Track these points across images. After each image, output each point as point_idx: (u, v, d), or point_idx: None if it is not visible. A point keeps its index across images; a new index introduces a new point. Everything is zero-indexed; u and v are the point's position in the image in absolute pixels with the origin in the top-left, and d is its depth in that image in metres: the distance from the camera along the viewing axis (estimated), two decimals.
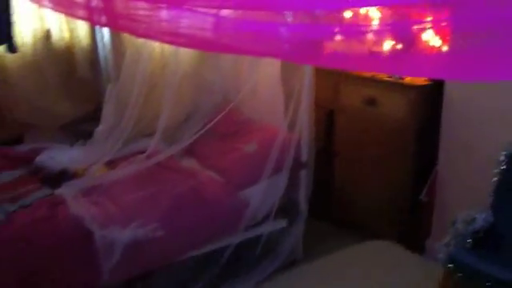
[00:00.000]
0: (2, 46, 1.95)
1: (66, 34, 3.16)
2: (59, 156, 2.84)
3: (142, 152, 2.91)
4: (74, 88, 3.22)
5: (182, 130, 3.08)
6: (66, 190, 2.50)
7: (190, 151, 3.05)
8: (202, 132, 2.94)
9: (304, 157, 2.98)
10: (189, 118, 3.19)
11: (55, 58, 3.11)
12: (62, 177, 2.67)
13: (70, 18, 3.13)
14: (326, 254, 2.96)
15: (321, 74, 3.00)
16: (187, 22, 2.24)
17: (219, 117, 2.94)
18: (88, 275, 2.26)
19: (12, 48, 1.92)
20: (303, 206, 2.96)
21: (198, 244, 2.56)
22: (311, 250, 2.98)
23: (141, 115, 2.96)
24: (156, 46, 3.09)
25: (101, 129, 2.98)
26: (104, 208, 2.40)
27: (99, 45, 3.25)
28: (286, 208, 2.90)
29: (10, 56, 3.02)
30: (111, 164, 2.84)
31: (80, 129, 3.16)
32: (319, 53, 1.87)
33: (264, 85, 3.12)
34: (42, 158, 2.80)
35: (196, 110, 3.21)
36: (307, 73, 2.87)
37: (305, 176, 3.00)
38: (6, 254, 2.10)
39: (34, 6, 2.88)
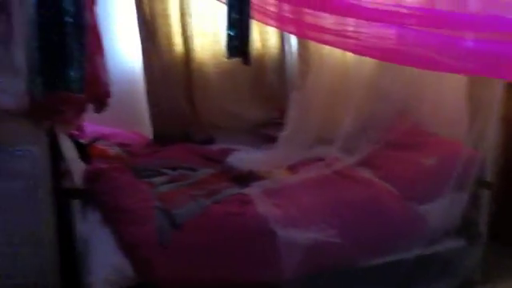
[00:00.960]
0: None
1: (258, 44, 3.41)
2: (246, 158, 3.10)
3: (320, 159, 3.05)
4: (262, 94, 3.48)
5: (360, 139, 3.15)
6: (252, 190, 2.72)
7: (365, 161, 3.10)
8: (380, 142, 2.98)
9: (488, 175, 2.86)
10: (366, 127, 3.24)
11: (248, 66, 3.38)
12: (248, 177, 2.90)
13: (262, 30, 3.39)
14: (506, 278, 2.81)
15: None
16: (370, 31, 2.32)
17: (397, 127, 2.96)
18: (269, 271, 2.43)
19: (247, 61, 2.14)
20: (483, 227, 2.84)
21: (372, 255, 2.61)
22: (490, 274, 2.86)
23: (322, 122, 3.10)
24: (339, 54, 3.20)
25: (285, 134, 3.18)
26: (286, 210, 2.56)
27: (287, 54, 3.46)
28: (465, 228, 2.81)
29: (209, 63, 3.38)
30: (292, 168, 3.02)
31: (265, 133, 3.41)
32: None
33: (447, 97, 3.05)
34: (232, 159, 3.08)
35: (374, 119, 3.25)
36: (496, 87, 2.75)
37: (487, 195, 2.88)
38: (202, 243, 2.36)
39: None
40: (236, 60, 3.33)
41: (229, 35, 2.03)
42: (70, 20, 1.77)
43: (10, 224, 2.14)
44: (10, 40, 1.90)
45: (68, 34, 1.75)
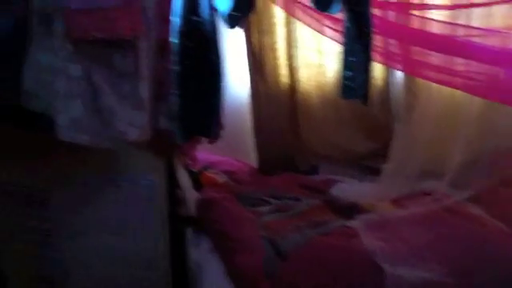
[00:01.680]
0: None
1: None
2: (350, 189, 3.09)
3: (427, 193, 2.98)
4: (366, 125, 3.47)
5: (470, 175, 3.05)
6: (357, 223, 2.71)
7: (476, 197, 2.99)
8: (492, 178, 2.87)
9: None
10: (477, 162, 3.14)
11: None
12: (352, 209, 2.89)
13: None
14: None
15: None
16: (480, 70, 2.28)
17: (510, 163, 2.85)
18: None
19: (365, 102, 2.17)
20: None
21: None
22: None
23: (427, 156, 3.04)
24: (448, 89, 3.13)
25: (389, 166, 3.14)
26: (393, 245, 2.52)
27: (392, 85, 3.43)
28: None
29: (314, 94, 3.43)
30: (397, 202, 2.98)
31: (369, 165, 3.39)
32: None
33: None
34: (335, 190, 3.09)
35: (485, 154, 3.14)
36: None
37: None
38: (307, 274, 2.37)
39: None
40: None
41: (344, 77, 2.07)
42: (212, 68, 1.90)
43: (129, 248, 2.28)
44: (136, 75, 2.04)
45: (209, 82, 1.87)
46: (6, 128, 2.02)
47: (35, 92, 1.90)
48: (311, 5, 2.08)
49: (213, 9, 1.98)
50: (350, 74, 2.07)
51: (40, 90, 1.89)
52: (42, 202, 2.25)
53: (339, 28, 2.39)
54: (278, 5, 3.05)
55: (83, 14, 1.82)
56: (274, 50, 3.29)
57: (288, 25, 3.30)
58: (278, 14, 3.28)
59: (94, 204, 2.26)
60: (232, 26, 2.01)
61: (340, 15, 2.26)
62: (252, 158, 3.44)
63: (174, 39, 2.00)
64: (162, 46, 2.18)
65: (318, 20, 2.69)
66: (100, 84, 1.93)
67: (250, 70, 3.30)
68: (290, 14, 3.03)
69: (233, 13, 1.96)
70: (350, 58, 2.04)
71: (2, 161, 2.13)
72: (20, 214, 2.24)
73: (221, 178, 3.07)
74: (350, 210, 2.90)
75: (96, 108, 1.94)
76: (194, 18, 1.94)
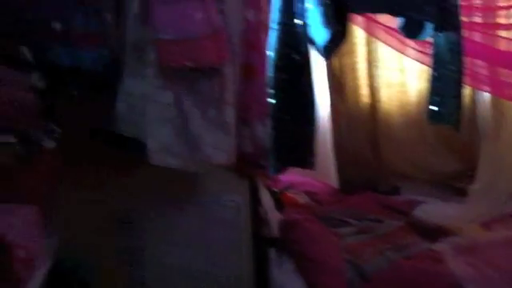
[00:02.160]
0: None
1: None
2: (434, 211, 3.01)
3: None
4: (451, 145, 3.38)
5: None
6: (443, 246, 2.63)
7: None
8: None
9: None
10: None
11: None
12: (437, 232, 2.81)
13: None
14: None
15: None
16: None
17: None
18: None
19: (457, 128, 2.14)
20: None
21: None
22: None
23: None
24: None
25: (476, 187, 3.04)
26: (482, 271, 2.43)
27: (479, 103, 3.33)
28: None
29: (395, 114, 3.39)
30: (486, 225, 2.87)
31: (454, 185, 3.29)
32: None
33: None
34: (419, 212, 3.01)
35: None
36: None
37: None
38: None
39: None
40: (423, 108, 3.34)
41: (432, 102, 2.04)
42: (306, 100, 1.95)
43: (213, 268, 2.33)
44: (222, 101, 2.11)
45: (303, 113, 1.92)
46: (98, 147, 2.14)
47: (128, 118, 2.01)
48: (399, 31, 2.08)
49: (309, 42, 2.03)
50: (438, 99, 2.03)
51: (132, 115, 2.00)
52: (130, 221, 2.35)
53: (424, 50, 2.36)
54: (358, 25, 3.06)
55: (174, 44, 1.91)
56: (354, 70, 3.30)
57: (369, 44, 3.29)
58: (359, 34, 3.28)
59: (179, 224, 2.34)
60: (328, 57, 2.06)
61: None
62: (333, 179, 3.43)
63: (269, 73, 2.05)
64: (247, 71, 2.25)
65: (400, 41, 2.68)
66: (188, 110, 2.01)
67: (331, 90, 3.32)
68: (371, 34, 3.03)
69: (329, 44, 2.00)
70: (439, 84, 2.01)
71: (94, 179, 2.24)
72: (109, 232, 2.35)
73: (302, 199, 3.09)
74: (435, 232, 2.82)
75: (184, 133, 2.02)
76: (290, 51, 1.99)
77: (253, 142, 2.29)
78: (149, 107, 1.98)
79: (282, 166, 2.00)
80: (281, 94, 1.99)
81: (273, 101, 2.04)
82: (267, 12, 2.32)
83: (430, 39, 2.20)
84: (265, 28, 2.28)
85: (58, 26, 1.92)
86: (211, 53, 1.97)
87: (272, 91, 2.04)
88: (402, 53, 2.79)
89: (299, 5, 2.00)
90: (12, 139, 1.68)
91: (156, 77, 1.97)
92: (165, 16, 1.92)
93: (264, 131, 2.29)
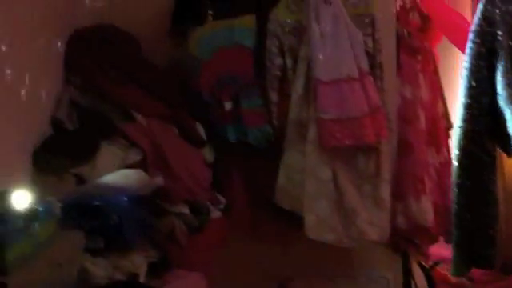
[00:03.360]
0: None
1: None
2: None
3: None
4: None
5: None
6: None
7: None
8: None
9: None
10: None
11: None
12: None
13: None
14: None
15: None
16: None
17: None
18: None
19: None
20: None
21: None
22: None
23: None
24: None
25: None
26: None
27: None
28: None
29: None
30: None
31: None
32: None
33: None
34: None
35: None
36: None
37: None
38: None
39: None
40: None
41: None
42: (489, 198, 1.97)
43: None
44: (378, 177, 2.14)
45: (487, 212, 1.92)
46: (260, 216, 2.25)
47: (287, 190, 2.12)
48: None
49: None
50: None
51: (292, 189, 2.10)
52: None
53: None
54: None
55: (335, 124, 2.00)
56: None
57: None
58: None
59: None
60: None
61: None
62: None
63: (454, 178, 2.05)
64: (402, 147, 2.26)
65: None
66: (345, 185, 2.07)
67: None
68: None
69: None
70: None
71: (256, 246, 2.33)
72: None
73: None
74: None
75: (340, 208, 2.07)
76: (474, 149, 1.97)
77: (407, 219, 2.28)
78: (307, 182, 2.07)
79: (464, 268, 1.96)
80: (465, 191, 1.97)
81: (456, 198, 2.01)
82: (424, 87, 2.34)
83: None
84: (423, 104, 2.31)
85: (229, 105, 2.11)
86: (370, 131, 2.02)
87: (456, 189, 2.01)
88: None
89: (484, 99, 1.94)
90: (186, 210, 1.84)
91: (315, 153, 2.06)
92: (327, 96, 2.02)
93: (418, 208, 2.28)
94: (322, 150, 2.05)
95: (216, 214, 1.98)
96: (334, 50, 2.04)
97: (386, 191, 2.12)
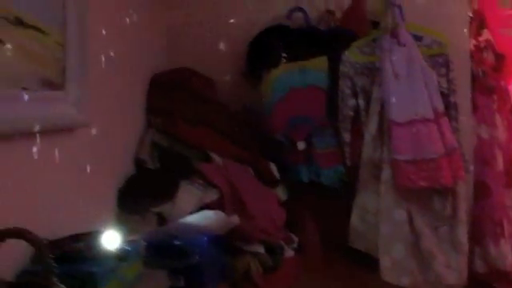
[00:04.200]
0: None
1: None
2: None
3: None
4: None
5: None
6: None
7: None
8: None
9: None
10: None
11: None
12: None
13: None
14: None
15: None
16: None
17: None
18: None
19: None
20: None
21: None
22: None
23: None
24: None
25: None
26: None
27: None
28: None
29: None
30: None
31: None
32: None
33: None
34: None
35: None
36: None
37: None
38: None
39: None
40: None
41: None
42: None
43: None
44: (455, 219, 2.09)
45: None
46: (332, 257, 2.23)
47: (361, 232, 2.09)
48: None
49: None
50: None
51: (366, 230, 2.08)
52: None
53: None
54: None
55: (410, 165, 1.97)
56: None
57: None
58: None
59: None
60: None
61: None
62: None
63: None
64: (480, 188, 2.21)
65: None
66: (421, 228, 2.03)
67: None
68: None
69: None
70: None
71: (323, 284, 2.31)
72: None
73: None
74: None
75: (417, 251, 2.02)
76: None
77: (485, 262, 2.21)
78: (382, 223, 2.04)
79: None
80: None
81: None
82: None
83: None
84: (500, 145, 2.25)
85: (302, 145, 2.13)
86: (447, 173, 1.98)
87: None
88: None
89: None
90: (262, 249, 1.85)
91: (389, 194, 2.04)
92: (401, 137, 2.00)
93: (497, 251, 2.21)
94: (396, 191, 2.02)
95: (289, 253, 1.98)
96: (408, 91, 2.03)
97: (463, 234, 2.06)
